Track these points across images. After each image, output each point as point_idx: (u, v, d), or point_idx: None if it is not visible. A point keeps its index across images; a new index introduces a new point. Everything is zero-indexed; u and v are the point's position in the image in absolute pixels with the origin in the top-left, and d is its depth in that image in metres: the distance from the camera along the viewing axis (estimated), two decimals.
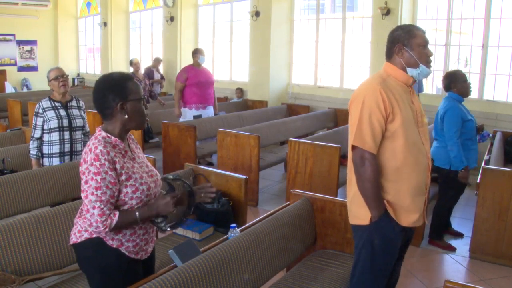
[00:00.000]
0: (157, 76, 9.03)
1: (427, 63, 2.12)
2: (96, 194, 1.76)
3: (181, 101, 6.21)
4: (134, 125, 1.92)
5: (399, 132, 2.03)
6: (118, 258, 1.88)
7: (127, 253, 1.90)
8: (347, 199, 2.26)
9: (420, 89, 5.45)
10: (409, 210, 2.10)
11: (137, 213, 1.84)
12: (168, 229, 1.98)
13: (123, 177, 1.82)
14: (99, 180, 1.76)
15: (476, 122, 3.89)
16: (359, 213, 2.14)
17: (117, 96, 1.85)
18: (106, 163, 1.77)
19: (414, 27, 2.15)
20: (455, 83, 3.68)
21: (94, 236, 1.86)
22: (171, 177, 2.09)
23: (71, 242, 1.96)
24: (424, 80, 6.68)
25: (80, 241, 1.90)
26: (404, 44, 2.10)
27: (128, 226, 1.87)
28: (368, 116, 2.02)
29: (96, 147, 1.80)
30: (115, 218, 1.79)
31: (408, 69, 2.12)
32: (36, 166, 3.49)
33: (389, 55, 2.17)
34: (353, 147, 2.07)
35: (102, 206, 1.77)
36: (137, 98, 1.90)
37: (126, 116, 1.87)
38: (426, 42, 2.12)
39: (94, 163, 1.77)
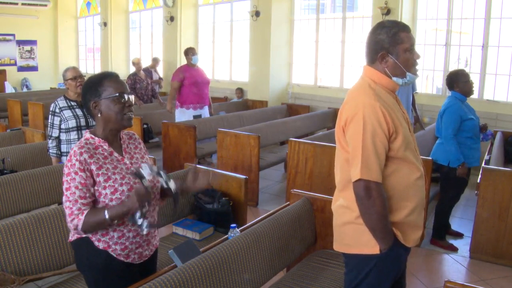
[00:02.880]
0: (155, 77, 9.02)
1: (414, 69, 1.88)
2: (66, 194, 1.76)
3: (177, 101, 6.19)
4: (112, 124, 1.86)
5: (402, 148, 1.80)
6: (107, 259, 1.85)
7: (115, 255, 1.85)
8: (335, 223, 1.99)
9: (413, 88, 5.41)
10: (414, 228, 1.91)
11: (106, 211, 1.72)
12: (145, 229, 1.76)
13: (101, 178, 1.78)
14: (69, 181, 1.76)
15: (480, 122, 3.90)
16: (362, 241, 1.87)
17: (92, 96, 1.85)
18: (77, 163, 1.75)
19: (399, 27, 1.84)
20: (457, 82, 3.72)
21: (83, 236, 1.84)
22: (144, 172, 1.74)
23: (69, 240, 1.97)
24: (420, 79, 6.67)
25: (73, 239, 1.90)
26: (389, 51, 1.82)
27: (100, 226, 1.76)
28: (372, 141, 1.75)
29: (72, 148, 1.82)
30: (82, 218, 1.73)
31: (394, 78, 1.87)
32: (56, 164, 3.53)
33: (371, 61, 1.90)
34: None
35: (71, 206, 1.75)
36: (112, 95, 1.82)
37: (100, 115, 1.85)
38: (413, 45, 1.85)
39: (67, 164, 1.79)
